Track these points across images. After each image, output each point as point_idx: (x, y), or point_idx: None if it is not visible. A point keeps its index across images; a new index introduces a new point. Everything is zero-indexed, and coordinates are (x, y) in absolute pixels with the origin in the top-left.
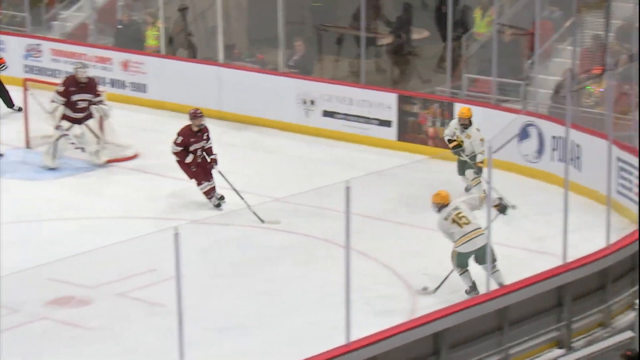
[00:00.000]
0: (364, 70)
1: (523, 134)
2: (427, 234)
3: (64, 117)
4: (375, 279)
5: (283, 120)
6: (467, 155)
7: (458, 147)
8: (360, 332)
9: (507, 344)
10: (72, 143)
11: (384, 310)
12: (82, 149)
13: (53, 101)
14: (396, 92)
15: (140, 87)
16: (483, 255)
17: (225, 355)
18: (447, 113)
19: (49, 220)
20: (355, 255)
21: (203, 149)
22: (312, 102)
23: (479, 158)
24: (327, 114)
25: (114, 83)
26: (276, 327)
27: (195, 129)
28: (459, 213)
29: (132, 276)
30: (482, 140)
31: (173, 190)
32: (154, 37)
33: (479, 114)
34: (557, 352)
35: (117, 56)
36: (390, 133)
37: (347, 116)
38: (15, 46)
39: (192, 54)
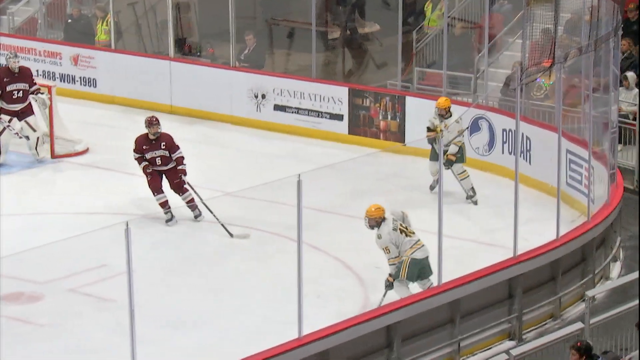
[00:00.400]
0: (314, 64)
1: (474, 127)
2: None
3: (2, 110)
4: (327, 272)
5: (235, 114)
6: (445, 146)
7: (433, 138)
8: (312, 326)
9: (459, 336)
10: (16, 133)
11: (336, 303)
12: (27, 137)
13: None
14: (347, 85)
15: (90, 82)
16: (428, 267)
17: (176, 351)
18: (398, 106)
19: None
20: (307, 249)
21: (164, 157)
22: (264, 96)
23: (451, 149)
24: (279, 107)
25: (63, 78)
26: (228, 323)
27: (151, 137)
28: (402, 224)
29: (82, 272)
30: (460, 131)
31: (123, 185)
32: (104, 31)
33: (429, 107)
34: (508, 344)
35: (67, 50)
36: (342, 127)
37: (298, 110)
38: None
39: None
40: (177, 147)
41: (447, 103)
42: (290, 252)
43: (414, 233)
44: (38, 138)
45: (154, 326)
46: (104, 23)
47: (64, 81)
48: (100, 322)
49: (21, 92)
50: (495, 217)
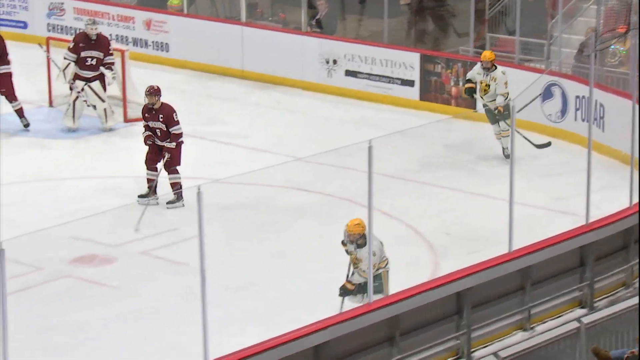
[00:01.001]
0: (386, 29)
1: (546, 94)
2: (448, 193)
3: (76, 75)
4: (397, 238)
5: (306, 79)
6: (490, 101)
7: (472, 90)
8: None
9: (530, 303)
10: (85, 101)
11: (406, 269)
12: (94, 107)
13: (65, 58)
14: (419, 51)
15: (162, 46)
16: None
17: (245, 314)
18: None
19: (70, 179)
20: (377, 215)
21: (162, 131)
22: (335, 62)
23: (498, 100)
24: (350, 73)
25: (136, 42)
26: (297, 287)
27: (150, 106)
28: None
29: (154, 235)
30: (506, 83)
31: (195, 150)
32: None
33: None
34: (580, 311)
35: (140, 15)
36: (413, 93)
37: (369, 76)
38: (38, 4)
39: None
40: (175, 123)
41: (492, 56)
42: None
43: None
44: (105, 109)
45: (223, 290)
46: None
47: (137, 45)
48: (171, 285)
49: (95, 59)
50: (567, 184)
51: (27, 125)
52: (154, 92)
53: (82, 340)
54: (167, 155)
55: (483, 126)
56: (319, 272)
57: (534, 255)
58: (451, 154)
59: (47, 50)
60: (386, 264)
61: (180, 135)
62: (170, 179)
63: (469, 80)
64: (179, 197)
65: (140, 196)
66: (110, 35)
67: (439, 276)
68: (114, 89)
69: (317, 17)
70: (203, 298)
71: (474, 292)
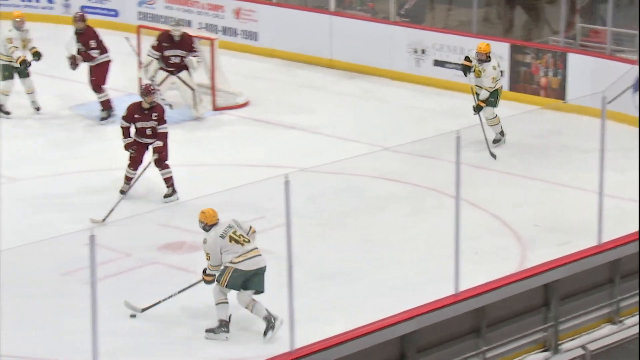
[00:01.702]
0: (475, 19)
1: (638, 85)
2: (537, 184)
3: (160, 69)
4: (485, 229)
5: (394, 69)
6: (477, 87)
7: (467, 68)
8: (468, 282)
9: (619, 296)
10: (163, 99)
11: (493, 260)
12: (170, 106)
13: (148, 55)
14: (508, 41)
15: (251, 35)
16: (260, 281)
17: (332, 303)
18: (560, 63)
19: None
20: (465, 205)
21: (153, 129)
22: (423, 52)
23: (482, 94)
24: (438, 63)
25: (225, 31)
26: (384, 276)
27: (145, 106)
28: (236, 231)
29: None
30: (493, 79)
31: (283, 138)
32: None
33: (592, 64)
34: None
35: (230, 4)
36: (502, 83)
37: (458, 65)
38: None
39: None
40: (164, 122)
41: (487, 49)
42: (447, 208)
43: (248, 242)
44: (195, 97)
45: (310, 277)
46: None
47: (226, 34)
48: None
49: (179, 58)
50: None
51: (103, 119)
52: (152, 91)
53: (170, 325)
54: (155, 156)
55: (572, 117)
56: (406, 261)
57: (623, 248)
58: (540, 145)
59: (137, 45)
60: (239, 262)
61: (167, 134)
62: (163, 174)
63: (468, 58)
64: (173, 190)
65: (122, 191)
66: (200, 23)
67: (526, 268)
68: (202, 77)
69: (406, 6)
70: (290, 286)
71: (562, 284)
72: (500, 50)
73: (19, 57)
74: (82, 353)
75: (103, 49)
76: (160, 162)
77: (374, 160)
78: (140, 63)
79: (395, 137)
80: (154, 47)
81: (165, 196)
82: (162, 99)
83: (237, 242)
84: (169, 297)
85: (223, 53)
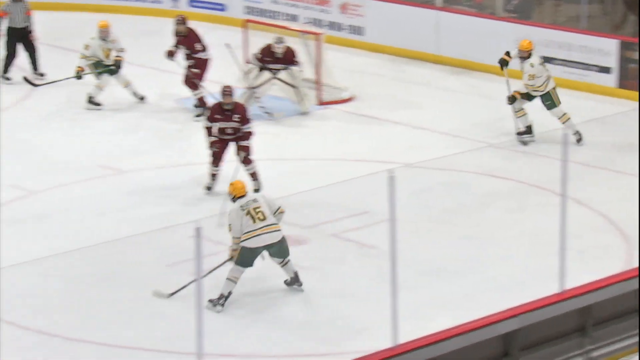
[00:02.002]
0: (585, 14)
1: None
2: None
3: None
4: (590, 227)
5: None
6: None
7: (504, 62)
8: (573, 281)
9: None
10: (262, 107)
11: (599, 259)
12: (270, 114)
13: (249, 62)
14: (618, 38)
15: (357, 30)
16: (278, 250)
17: (435, 299)
18: None
19: (266, 160)
20: (570, 203)
21: (235, 130)
22: None
23: (520, 88)
24: (546, 59)
25: (331, 25)
26: (488, 273)
27: (226, 106)
28: (257, 207)
29: (345, 218)
30: (530, 76)
31: (388, 134)
32: None
33: None
34: None
35: None
36: (610, 80)
37: (565, 62)
38: None
39: None
40: (248, 121)
41: (529, 46)
42: (552, 205)
43: (263, 219)
44: (298, 92)
45: (413, 273)
46: None
47: (332, 29)
48: (361, 268)
49: (280, 70)
50: None
51: (198, 116)
52: (230, 92)
53: (272, 318)
54: (242, 155)
55: None
56: (510, 258)
57: None
58: None
59: (244, 41)
60: (246, 240)
61: (252, 133)
62: (248, 170)
63: (509, 53)
64: (258, 182)
65: (207, 187)
66: (306, 18)
67: (633, 267)
68: (308, 71)
69: (514, 1)
70: (393, 281)
71: None
72: (609, 47)
73: (78, 67)
74: (186, 342)
75: (205, 48)
76: (246, 159)
77: (479, 157)
78: (247, 52)
79: (500, 133)
80: (256, 57)
81: (255, 191)
82: (262, 107)
83: (251, 217)
84: (194, 282)
85: (329, 48)
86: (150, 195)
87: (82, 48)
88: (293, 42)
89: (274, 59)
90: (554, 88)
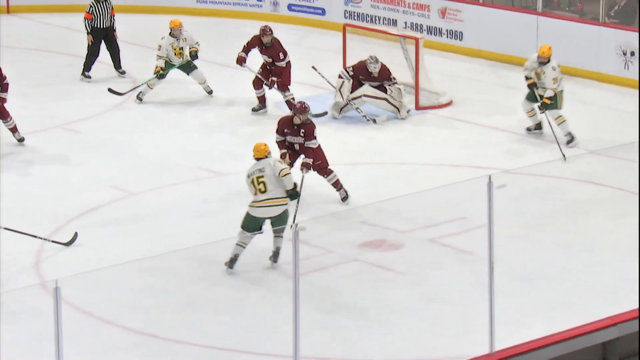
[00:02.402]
0: None
1: None
2: None
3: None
4: None
5: (601, 71)
6: (541, 89)
7: (534, 85)
8: None
9: None
10: (364, 116)
11: None
12: (374, 121)
13: (340, 77)
14: None
15: (457, 35)
16: (277, 221)
17: (531, 305)
18: None
19: (363, 164)
20: None
21: (302, 146)
22: (632, 54)
23: (547, 93)
24: None
25: (431, 30)
26: (584, 280)
27: (296, 121)
28: (261, 177)
29: (442, 223)
30: (554, 79)
31: (487, 139)
32: None
33: None
34: None
35: (436, 3)
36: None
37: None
38: None
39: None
40: (313, 137)
41: (549, 52)
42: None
43: (263, 192)
44: (391, 102)
45: (510, 279)
46: None
47: (431, 34)
48: (458, 273)
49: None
50: None
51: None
52: (304, 109)
53: (368, 323)
54: (305, 170)
55: None
56: (608, 266)
57: None
58: None
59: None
60: (252, 207)
61: (313, 149)
62: (329, 180)
63: (527, 77)
64: (345, 191)
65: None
66: (405, 23)
67: None
68: (406, 76)
69: (616, 8)
70: (490, 288)
71: None
72: None
73: (157, 66)
74: (283, 345)
75: (286, 55)
76: (322, 170)
77: (578, 163)
78: (345, 58)
79: (600, 140)
80: (347, 71)
81: (343, 199)
82: (363, 115)
83: (253, 186)
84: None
85: (427, 52)
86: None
87: (156, 48)
88: (392, 46)
89: (368, 77)
90: (561, 91)
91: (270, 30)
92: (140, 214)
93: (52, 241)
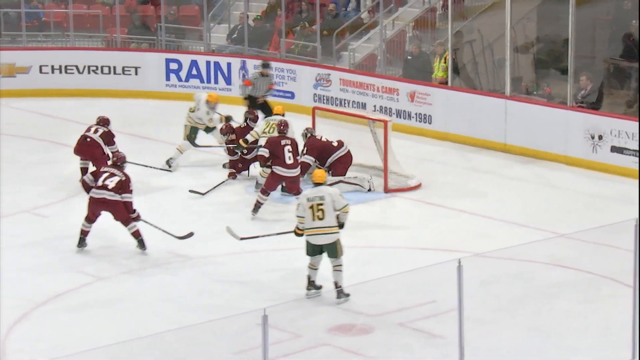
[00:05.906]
0: None
1: None
2: None
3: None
4: None
5: (569, 154)
6: None
7: None
8: None
9: None
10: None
11: None
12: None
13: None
14: None
15: (425, 118)
16: (330, 250)
17: None
18: None
19: None
20: None
21: None
22: (600, 137)
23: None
24: (616, 149)
25: (399, 113)
26: None
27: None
28: (321, 205)
29: (413, 307)
30: None
31: (455, 222)
32: (442, 68)
33: None
34: None
35: (404, 87)
36: None
37: (637, 152)
38: (306, 75)
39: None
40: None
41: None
42: (623, 297)
43: (321, 219)
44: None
45: None
46: (442, 60)
47: (400, 117)
48: (428, 357)
49: None
50: None
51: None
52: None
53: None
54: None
55: None
56: (579, 351)
57: None
58: None
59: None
60: (310, 235)
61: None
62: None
63: None
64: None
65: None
66: (374, 106)
67: None
68: (375, 159)
69: (582, 93)
70: None
71: None
72: None
73: (186, 125)
74: None
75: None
76: None
77: (547, 247)
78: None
79: (568, 223)
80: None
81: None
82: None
83: (312, 213)
84: (268, 235)
85: (396, 135)
86: (217, 282)
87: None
88: (361, 130)
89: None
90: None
91: (253, 111)
92: (107, 299)
93: (167, 233)
